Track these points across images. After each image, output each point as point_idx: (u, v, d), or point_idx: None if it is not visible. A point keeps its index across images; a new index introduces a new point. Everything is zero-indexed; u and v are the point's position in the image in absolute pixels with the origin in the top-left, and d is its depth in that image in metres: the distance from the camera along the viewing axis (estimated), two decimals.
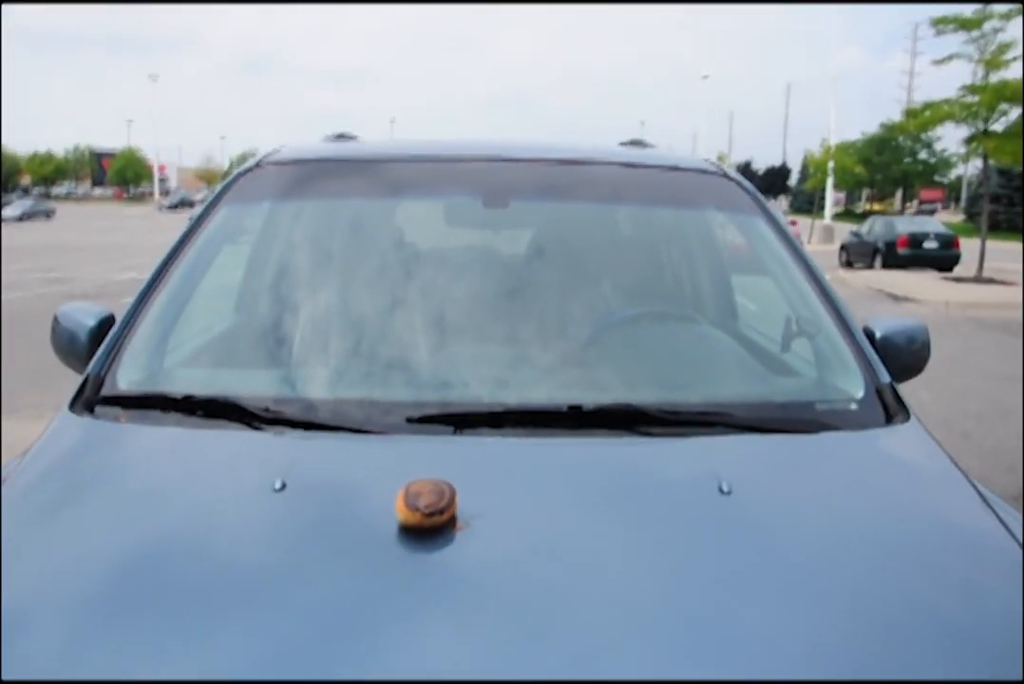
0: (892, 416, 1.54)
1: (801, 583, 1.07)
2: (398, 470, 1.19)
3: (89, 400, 1.45)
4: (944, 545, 1.22)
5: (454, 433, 1.34)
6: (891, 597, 1.07)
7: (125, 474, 1.29)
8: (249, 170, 1.98)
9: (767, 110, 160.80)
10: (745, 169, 68.39)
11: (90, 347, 1.61)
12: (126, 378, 1.49)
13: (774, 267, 1.90)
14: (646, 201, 2.04)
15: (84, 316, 1.70)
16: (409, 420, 1.36)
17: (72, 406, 1.45)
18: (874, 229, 20.98)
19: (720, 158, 57.00)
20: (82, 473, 1.29)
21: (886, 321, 1.83)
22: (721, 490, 1.21)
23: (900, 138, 42.37)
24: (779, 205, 55.39)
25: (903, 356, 1.76)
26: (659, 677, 0.89)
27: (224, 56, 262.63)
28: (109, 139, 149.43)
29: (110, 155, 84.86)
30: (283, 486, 1.15)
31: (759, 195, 2.02)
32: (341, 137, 2.21)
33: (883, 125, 41.48)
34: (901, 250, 19.54)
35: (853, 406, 1.53)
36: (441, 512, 1.05)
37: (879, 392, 1.56)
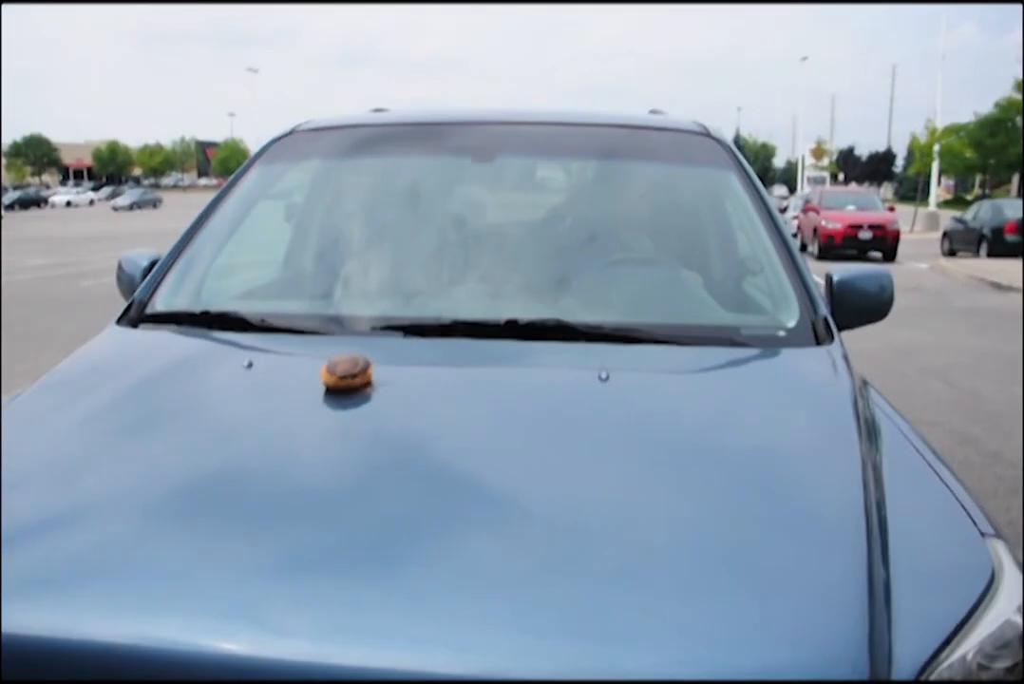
0: (819, 344, 1.72)
1: (642, 445, 1.31)
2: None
3: (132, 318, 1.89)
4: (787, 448, 1.35)
5: (404, 336, 1.71)
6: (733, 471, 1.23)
7: (147, 359, 1.71)
8: (281, 137, 2.35)
9: (872, 93, 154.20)
10: (848, 155, 65.48)
11: (142, 281, 2.03)
12: (163, 302, 1.91)
13: (740, 218, 2.10)
14: (624, 156, 2.25)
15: (139, 258, 2.13)
16: (373, 328, 1.76)
17: (118, 322, 1.89)
18: (979, 215, 19.52)
19: (820, 144, 54.81)
20: (121, 360, 1.74)
21: (848, 268, 2.04)
22: (600, 377, 1.47)
23: (1017, 118, 39.56)
24: (882, 193, 52.91)
25: (859, 299, 1.96)
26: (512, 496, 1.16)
27: (321, 49, 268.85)
28: (213, 131, 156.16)
29: (214, 145, 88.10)
30: (250, 364, 1.58)
31: (737, 154, 2.22)
32: (377, 111, 2.62)
33: (997, 105, 38.76)
34: (1009, 237, 18.15)
35: (781, 333, 1.74)
36: (354, 376, 1.39)
37: (813, 325, 1.75)
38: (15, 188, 58.76)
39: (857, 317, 1.97)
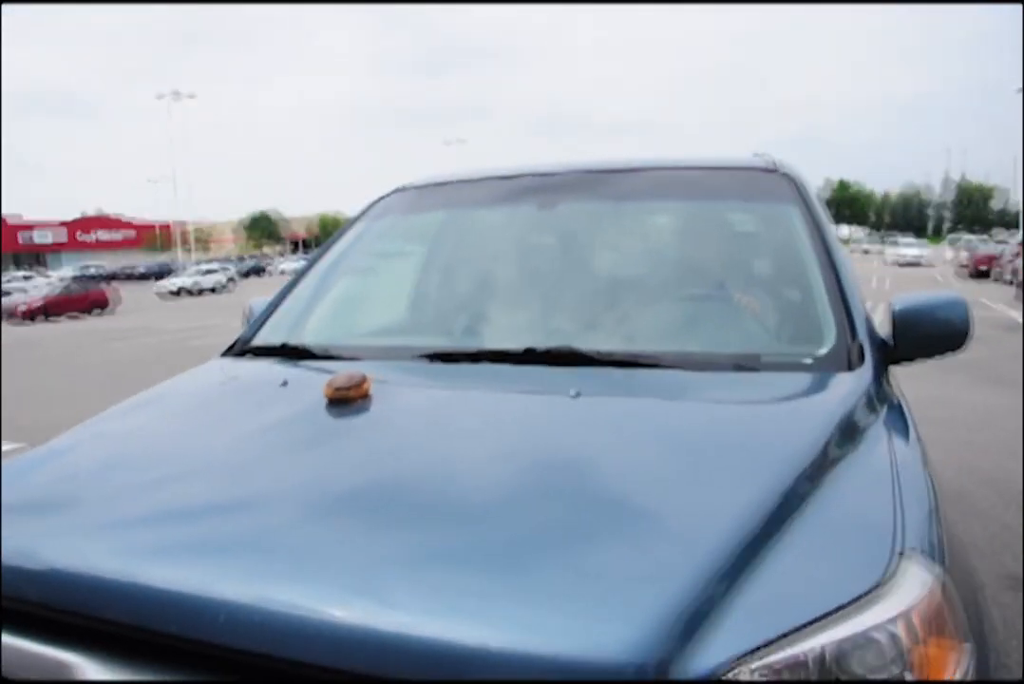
0: (851, 370, 1.74)
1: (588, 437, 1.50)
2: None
3: (234, 350, 2.29)
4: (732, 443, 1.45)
5: (430, 362, 1.96)
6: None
7: (241, 375, 2.11)
8: (383, 197, 2.74)
9: None
10: None
11: None
12: (260, 338, 2.30)
13: (796, 251, 2.11)
14: (693, 196, 2.37)
15: (259, 304, 2.56)
16: (412, 356, 2.01)
17: (223, 354, 2.29)
18: None
19: None
20: (215, 377, 2.14)
21: (915, 296, 1.98)
22: (571, 395, 1.62)
23: None
24: None
25: (926, 328, 1.91)
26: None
27: (514, 120, 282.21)
28: None
29: None
30: (285, 383, 1.89)
31: (804, 189, 2.26)
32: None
33: None
34: None
35: (807, 360, 1.78)
36: (348, 389, 1.67)
37: (848, 353, 1.78)
38: (249, 258, 66.19)
39: (923, 348, 1.94)
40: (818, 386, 1.70)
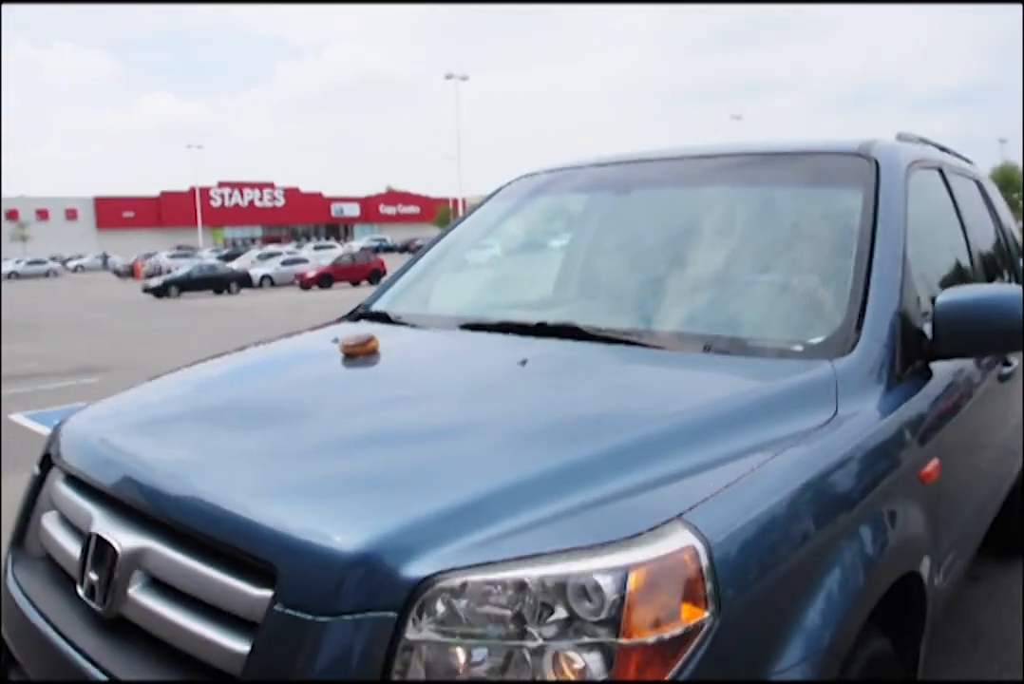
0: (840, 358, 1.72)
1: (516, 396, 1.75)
2: (405, 340, 2.28)
3: (353, 314, 2.66)
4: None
5: (460, 330, 2.23)
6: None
7: (331, 332, 2.35)
8: (510, 182, 3.04)
9: None
10: None
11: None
12: (376, 306, 2.66)
13: (838, 236, 2.11)
14: (751, 182, 2.43)
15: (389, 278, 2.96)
16: (457, 326, 2.26)
17: (346, 317, 2.66)
18: None
19: None
20: (320, 332, 2.51)
21: (962, 289, 1.89)
22: (521, 362, 1.82)
23: None
24: None
25: (973, 324, 1.80)
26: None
27: (826, 91, 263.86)
28: None
29: None
30: (335, 340, 2.11)
31: (893, 173, 2.14)
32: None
33: None
34: None
35: (797, 348, 1.79)
36: (355, 347, 2.03)
37: (852, 344, 1.74)
38: None
39: (970, 345, 1.85)
40: (773, 371, 1.71)
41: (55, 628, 1.50)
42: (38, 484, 1.87)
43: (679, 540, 1.15)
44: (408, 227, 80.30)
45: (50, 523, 1.73)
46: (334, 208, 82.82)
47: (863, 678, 1.39)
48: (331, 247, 45.05)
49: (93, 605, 1.45)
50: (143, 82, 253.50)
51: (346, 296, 23.43)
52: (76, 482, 1.70)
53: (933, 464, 1.79)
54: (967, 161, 3.35)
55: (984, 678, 2.58)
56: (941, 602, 1.98)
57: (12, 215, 69.46)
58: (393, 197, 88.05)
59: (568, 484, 1.26)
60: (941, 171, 2.63)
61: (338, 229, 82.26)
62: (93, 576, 1.45)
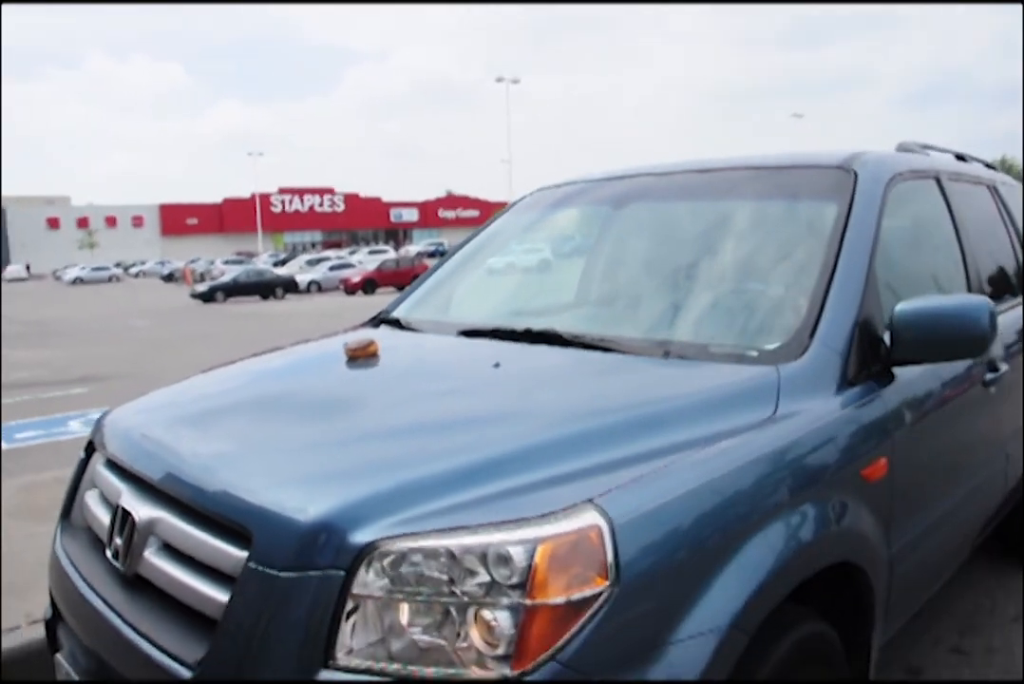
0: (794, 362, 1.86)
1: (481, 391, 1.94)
2: (404, 344, 2.51)
3: (374, 320, 2.83)
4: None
5: (456, 336, 2.41)
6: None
7: (347, 337, 2.56)
8: (523, 197, 3.21)
9: None
10: None
11: None
12: (394, 313, 2.83)
13: (810, 249, 2.16)
14: (737, 196, 2.54)
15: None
16: (457, 332, 2.44)
17: (367, 322, 2.85)
18: None
19: None
20: (340, 336, 2.65)
21: (920, 299, 1.95)
22: (495, 365, 2.02)
23: None
24: None
25: (926, 330, 1.89)
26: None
27: (892, 89, 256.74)
28: None
29: None
30: (346, 343, 2.31)
31: (871, 186, 2.22)
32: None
33: None
34: None
35: (752, 353, 1.90)
36: (355, 350, 2.20)
37: (803, 351, 1.85)
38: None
39: (928, 351, 1.93)
40: (721, 374, 1.83)
41: (88, 584, 1.76)
42: (83, 466, 2.16)
43: (586, 519, 1.31)
44: (467, 231, 80.00)
45: (91, 499, 1.98)
46: (393, 213, 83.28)
47: (792, 656, 1.54)
48: (384, 252, 45.01)
49: (117, 565, 1.70)
50: (211, 92, 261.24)
51: (387, 302, 23.78)
52: (112, 465, 1.93)
53: (880, 463, 1.85)
54: (988, 166, 3.49)
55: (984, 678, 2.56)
56: (900, 597, 2.04)
57: (82, 223, 71.91)
58: (452, 201, 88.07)
59: (502, 472, 1.43)
60: (938, 180, 2.67)
61: (397, 234, 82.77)
62: (118, 541, 1.70)
